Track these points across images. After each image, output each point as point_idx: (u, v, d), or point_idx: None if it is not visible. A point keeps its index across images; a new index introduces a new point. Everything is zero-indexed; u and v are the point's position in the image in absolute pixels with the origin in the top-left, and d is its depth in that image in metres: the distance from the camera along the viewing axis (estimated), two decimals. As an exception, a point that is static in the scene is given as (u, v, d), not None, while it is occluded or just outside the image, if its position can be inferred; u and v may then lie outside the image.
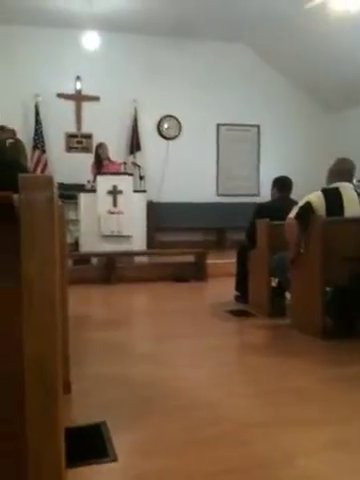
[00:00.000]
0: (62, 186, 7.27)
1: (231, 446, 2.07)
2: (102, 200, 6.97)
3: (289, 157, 9.96)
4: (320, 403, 2.55)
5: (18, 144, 3.58)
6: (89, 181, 7.54)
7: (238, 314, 4.66)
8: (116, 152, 8.59)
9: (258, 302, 4.74)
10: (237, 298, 5.23)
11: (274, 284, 4.66)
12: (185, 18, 8.44)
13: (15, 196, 1.11)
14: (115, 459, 1.95)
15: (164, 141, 9.78)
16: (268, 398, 2.62)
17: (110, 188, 7.00)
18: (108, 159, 7.70)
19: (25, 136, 7.90)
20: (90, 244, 6.97)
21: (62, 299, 2.40)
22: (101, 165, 7.60)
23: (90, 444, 2.08)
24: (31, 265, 1.11)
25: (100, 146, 7.78)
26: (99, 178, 7.07)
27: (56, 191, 1.19)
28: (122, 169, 7.71)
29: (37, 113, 8.86)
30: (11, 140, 3.56)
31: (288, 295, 4.51)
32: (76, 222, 7.32)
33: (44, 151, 8.88)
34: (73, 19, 8.24)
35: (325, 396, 2.65)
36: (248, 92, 9.95)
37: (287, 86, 10.27)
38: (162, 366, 3.18)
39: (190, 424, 2.28)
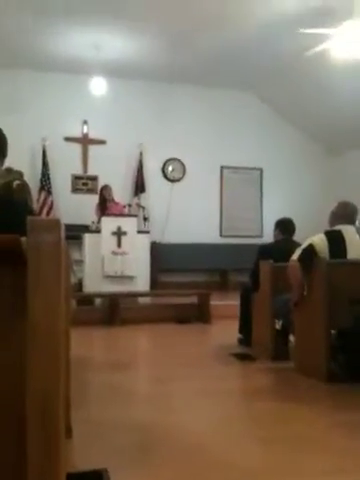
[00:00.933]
0: (67, 227, 7.31)
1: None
2: (106, 241, 7.02)
3: (292, 199, 10.05)
4: (324, 450, 2.49)
5: (25, 186, 3.64)
6: (93, 222, 7.60)
7: (241, 357, 4.61)
8: (121, 193, 8.70)
9: (262, 345, 4.70)
10: (240, 341, 5.18)
11: (278, 327, 4.63)
12: (191, 66, 8.69)
13: (23, 239, 1.13)
14: (116, 507, 1.90)
15: (168, 183, 9.91)
16: (271, 446, 2.56)
17: (114, 229, 7.06)
18: (112, 201, 7.79)
19: (32, 178, 8.04)
20: (94, 285, 6.97)
21: (65, 341, 2.39)
22: (105, 206, 7.68)
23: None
24: (37, 307, 1.12)
25: (105, 188, 7.89)
26: (104, 219, 7.13)
27: (63, 234, 1.21)
28: (126, 211, 7.80)
29: (44, 156, 9.03)
30: (18, 181, 3.63)
31: (292, 338, 4.47)
32: (80, 262, 7.34)
33: (50, 192, 9.00)
34: (80, 65, 8.49)
35: (332, 444, 2.58)
36: (251, 136, 10.14)
37: (289, 130, 10.46)
38: (164, 410, 3.13)
39: (191, 472, 2.23)
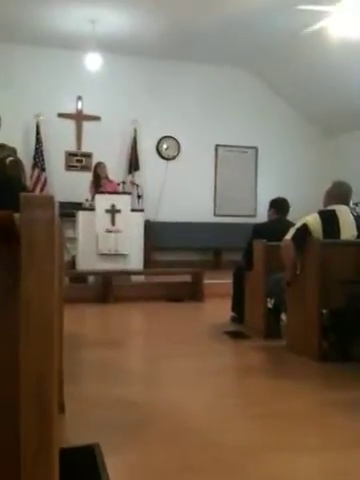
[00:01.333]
0: (61, 204, 7.28)
1: (225, 471, 2.05)
2: (100, 219, 7.00)
3: (286, 179, 10.04)
4: (316, 428, 2.54)
5: (18, 162, 3.60)
6: (87, 199, 7.57)
7: (234, 335, 4.64)
8: (115, 171, 8.65)
9: (254, 323, 4.74)
10: (233, 319, 5.22)
11: (270, 305, 4.66)
12: (186, 42, 8.58)
13: (16, 215, 1.12)
14: (108, 481, 1.93)
15: (163, 161, 9.86)
16: (263, 422, 2.60)
17: (108, 207, 7.03)
18: (106, 178, 7.75)
19: (25, 155, 7.97)
20: (87, 262, 6.97)
21: (58, 318, 2.39)
22: (99, 184, 7.64)
23: (84, 466, 2.06)
24: (30, 283, 1.12)
25: (99, 165, 7.84)
26: (97, 197, 7.10)
27: (57, 210, 1.20)
28: (120, 189, 7.76)
29: (38, 132, 8.93)
30: (11, 158, 3.59)
31: (284, 317, 4.50)
32: (73, 240, 7.33)
33: (44, 169, 8.93)
34: (75, 40, 8.36)
35: (321, 421, 2.63)
36: (247, 114, 10.07)
37: (286, 109, 10.39)
38: (156, 387, 3.16)
39: (184, 448, 2.26)
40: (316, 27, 6.40)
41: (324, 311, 3.89)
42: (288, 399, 2.97)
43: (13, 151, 4.49)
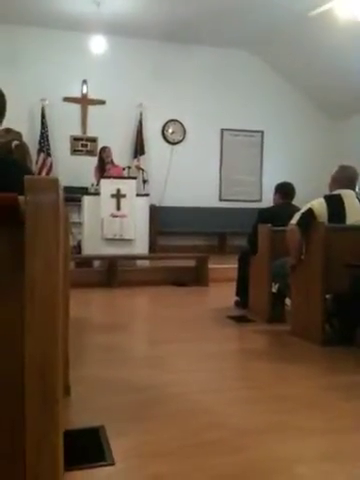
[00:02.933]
0: (66, 189, 7.27)
1: (228, 452, 2.08)
2: (105, 203, 6.99)
3: (292, 163, 9.98)
4: (318, 411, 2.55)
5: (24, 146, 3.59)
6: (93, 184, 7.56)
7: (238, 320, 4.66)
8: (120, 155, 8.62)
9: (258, 308, 4.75)
10: (237, 303, 5.24)
11: (274, 290, 4.67)
12: (192, 24, 8.49)
13: (21, 198, 1.12)
14: (113, 463, 1.95)
15: (168, 145, 9.82)
16: (266, 405, 2.62)
17: (113, 191, 7.02)
18: (111, 163, 7.72)
19: (31, 139, 7.94)
20: (92, 247, 6.99)
21: (64, 302, 2.41)
22: (104, 169, 7.62)
23: (88, 447, 2.09)
24: (35, 266, 1.13)
25: (103, 150, 7.81)
26: (103, 181, 7.09)
27: (62, 193, 1.20)
28: (125, 173, 7.74)
29: (43, 116, 8.91)
30: (17, 142, 3.57)
31: (288, 301, 4.51)
32: (79, 225, 7.34)
33: (49, 154, 8.92)
34: (80, 22, 8.29)
35: (323, 404, 2.65)
36: (253, 98, 9.99)
37: (292, 93, 10.30)
38: (161, 370, 3.18)
39: (188, 429, 2.29)
40: (322, 9, 6.31)
41: (328, 296, 3.89)
42: (291, 383, 2.99)
43: (19, 135, 4.47)
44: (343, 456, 2.06)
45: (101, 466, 1.93)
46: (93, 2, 7.67)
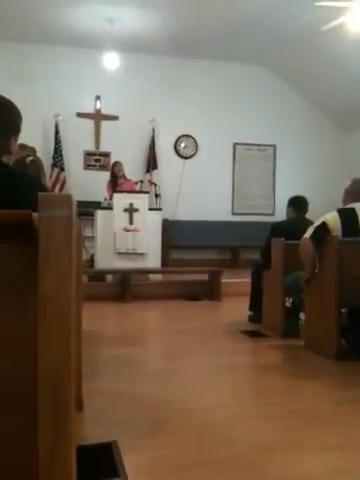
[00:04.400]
0: (79, 203, 7.32)
1: (241, 469, 2.05)
2: (118, 217, 7.03)
3: (305, 177, 9.96)
4: (332, 427, 2.52)
5: (38, 161, 3.64)
6: (106, 198, 7.61)
7: (252, 334, 4.63)
8: (133, 170, 8.67)
9: (272, 322, 4.72)
10: (251, 318, 5.20)
11: (288, 304, 4.64)
12: (203, 39, 8.56)
13: (35, 214, 1.13)
14: (126, 479, 1.94)
15: (181, 160, 9.86)
16: (280, 421, 2.59)
17: (126, 206, 7.06)
18: (123, 177, 7.77)
19: (44, 154, 8.02)
20: (105, 261, 7.01)
21: (76, 316, 2.41)
22: (116, 183, 7.67)
23: (101, 463, 2.08)
24: (48, 282, 1.13)
25: (116, 164, 7.87)
26: (116, 196, 7.13)
27: (75, 209, 1.21)
28: (137, 188, 7.78)
29: (57, 132, 9.01)
30: (31, 157, 3.62)
31: (302, 315, 4.48)
32: (92, 239, 7.37)
33: (63, 169, 9.00)
34: (93, 39, 8.40)
35: (338, 420, 2.62)
36: (265, 112, 10.02)
37: (304, 106, 10.31)
38: (174, 385, 3.17)
39: (201, 445, 2.27)
40: (335, 23, 6.34)
41: (343, 310, 3.86)
42: (305, 398, 2.95)
43: (33, 151, 4.53)
44: (358, 472, 2.03)
45: (114, 482, 1.92)
46: (106, 20, 7.78)
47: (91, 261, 7.40)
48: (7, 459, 1.28)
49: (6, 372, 1.26)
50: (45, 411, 1.17)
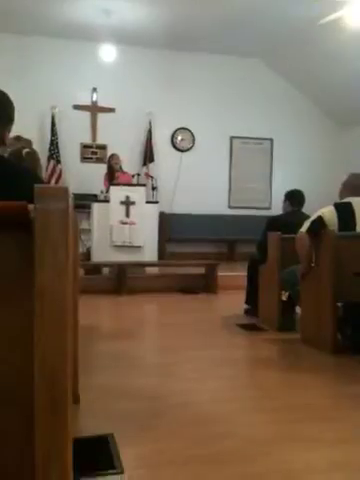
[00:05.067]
0: (76, 196, 7.30)
1: (238, 462, 2.06)
2: (115, 210, 7.01)
3: (302, 171, 9.96)
4: (329, 421, 2.53)
5: (34, 154, 3.61)
6: (102, 191, 7.59)
7: (248, 328, 4.64)
8: (130, 163, 8.65)
9: (268, 316, 4.72)
10: (247, 311, 5.21)
11: (284, 298, 4.64)
12: (200, 32, 8.52)
13: (30, 206, 1.12)
14: (122, 471, 1.94)
15: (177, 153, 9.83)
16: (276, 414, 2.60)
17: (123, 199, 7.04)
18: (120, 170, 7.75)
19: (41, 146, 7.98)
20: (101, 254, 7.00)
21: (73, 309, 2.41)
22: (113, 176, 7.65)
23: (97, 456, 2.08)
24: (44, 275, 1.12)
25: (112, 157, 7.84)
26: (112, 188, 7.11)
27: (71, 202, 1.20)
28: (134, 180, 7.76)
29: (53, 124, 8.96)
30: (27, 149, 3.60)
31: (298, 309, 4.48)
32: (88, 232, 7.36)
33: (59, 161, 8.97)
34: (90, 31, 8.34)
35: (334, 414, 2.62)
36: (262, 105, 9.99)
37: (301, 100, 10.29)
38: (170, 378, 3.17)
39: (198, 439, 2.27)
40: (332, 17, 6.31)
41: (339, 304, 3.86)
42: (302, 392, 2.96)
43: (29, 143, 4.50)
44: (354, 466, 2.04)
45: (111, 474, 1.92)
46: (103, 12, 7.72)
47: (87, 254, 7.39)
48: (3, 456, 1.27)
49: (0, 366, 1.25)
50: (41, 404, 1.17)
